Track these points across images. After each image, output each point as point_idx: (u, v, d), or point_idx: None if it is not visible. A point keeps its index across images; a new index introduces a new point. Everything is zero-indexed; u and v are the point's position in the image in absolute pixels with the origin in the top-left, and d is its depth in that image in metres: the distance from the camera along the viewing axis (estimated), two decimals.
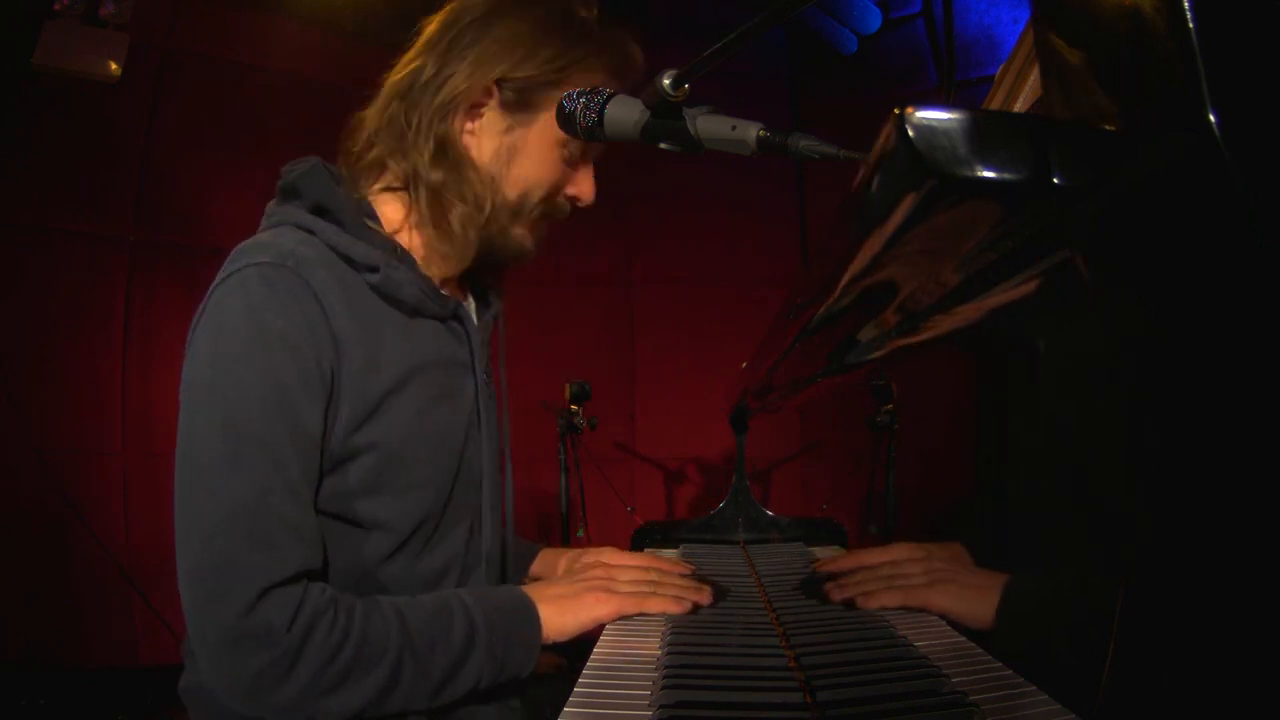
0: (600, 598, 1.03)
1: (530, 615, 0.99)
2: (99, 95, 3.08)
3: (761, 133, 0.69)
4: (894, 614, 1.03)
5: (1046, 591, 0.92)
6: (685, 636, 0.96)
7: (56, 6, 2.99)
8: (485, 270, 1.13)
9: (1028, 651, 0.82)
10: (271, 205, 1.03)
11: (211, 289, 0.92)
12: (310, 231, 0.96)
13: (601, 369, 3.51)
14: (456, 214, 1.00)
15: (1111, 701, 0.46)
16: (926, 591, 1.03)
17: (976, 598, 0.98)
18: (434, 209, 1.01)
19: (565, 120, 0.81)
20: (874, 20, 3.61)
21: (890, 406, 2.46)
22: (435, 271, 1.06)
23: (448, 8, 1.04)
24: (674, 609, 1.06)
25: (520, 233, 1.06)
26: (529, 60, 0.99)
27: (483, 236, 1.03)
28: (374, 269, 0.96)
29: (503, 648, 0.95)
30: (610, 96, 0.79)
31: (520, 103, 1.00)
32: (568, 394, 2.63)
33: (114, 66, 3.08)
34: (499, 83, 1.00)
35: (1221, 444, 0.43)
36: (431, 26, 1.03)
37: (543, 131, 1.02)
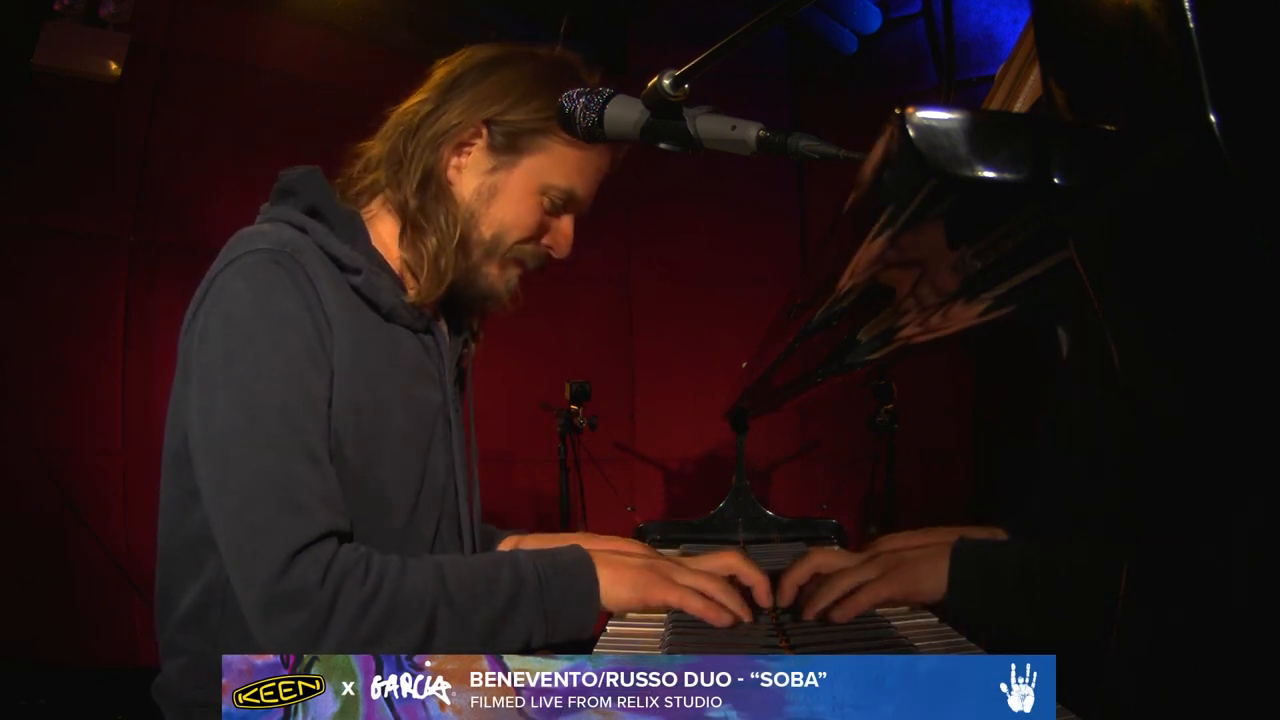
0: (655, 579, 0.99)
1: (587, 572, 0.97)
2: (99, 95, 3.07)
3: (761, 133, 0.69)
4: (891, 613, 1.03)
5: (994, 554, 0.91)
6: (685, 641, 0.96)
7: (56, 6, 2.98)
8: (462, 309, 1.19)
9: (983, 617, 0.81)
10: (265, 206, 1.07)
11: (211, 275, 0.97)
12: (302, 230, 1.01)
13: (601, 369, 3.51)
14: (431, 241, 1.06)
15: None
16: (881, 585, 0.98)
17: (927, 573, 0.96)
18: (413, 234, 1.06)
19: (565, 120, 0.81)
20: (874, 20, 3.61)
21: (890, 406, 2.46)
22: (413, 295, 1.09)
23: (459, 55, 1.10)
24: (721, 620, 0.98)
25: (492, 272, 1.11)
26: (520, 106, 1.04)
27: (457, 269, 1.07)
28: (357, 271, 1.01)
29: (556, 603, 0.94)
30: (610, 96, 0.78)
31: (507, 145, 1.06)
32: (568, 394, 2.63)
33: (114, 66, 3.07)
34: (488, 123, 1.05)
35: (1221, 442, 0.43)
36: (441, 71, 1.09)
37: (525, 177, 1.07)
